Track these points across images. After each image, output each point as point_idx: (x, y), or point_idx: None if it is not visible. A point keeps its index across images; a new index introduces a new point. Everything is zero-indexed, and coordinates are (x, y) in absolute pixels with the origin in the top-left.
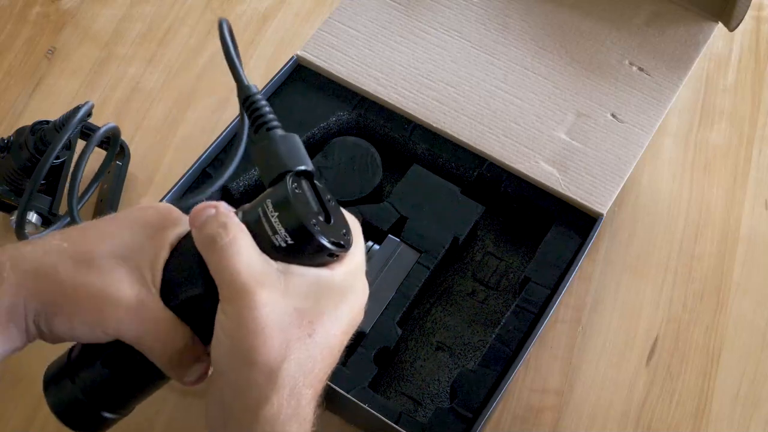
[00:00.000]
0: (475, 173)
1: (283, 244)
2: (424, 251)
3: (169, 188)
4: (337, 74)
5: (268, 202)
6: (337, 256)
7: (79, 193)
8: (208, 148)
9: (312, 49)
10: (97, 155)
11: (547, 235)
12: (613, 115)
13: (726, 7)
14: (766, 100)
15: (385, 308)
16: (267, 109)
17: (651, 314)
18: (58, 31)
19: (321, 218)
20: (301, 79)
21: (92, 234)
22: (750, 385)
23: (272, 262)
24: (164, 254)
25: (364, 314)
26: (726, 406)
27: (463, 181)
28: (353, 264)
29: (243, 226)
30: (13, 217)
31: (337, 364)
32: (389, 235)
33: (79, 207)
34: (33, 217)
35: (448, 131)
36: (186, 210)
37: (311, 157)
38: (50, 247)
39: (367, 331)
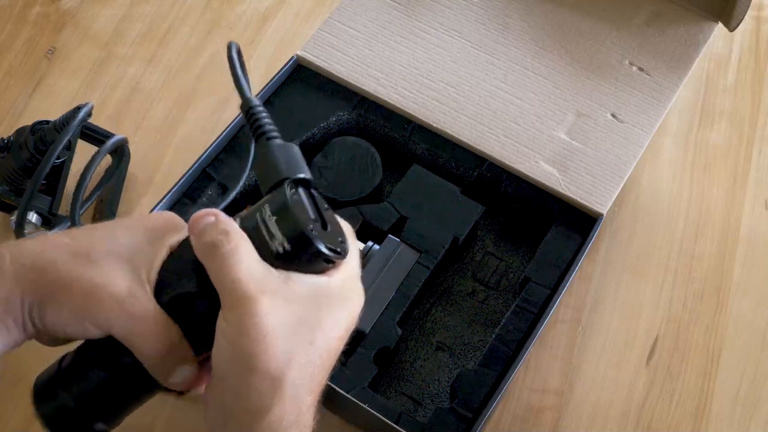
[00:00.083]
0: (475, 173)
1: (281, 250)
2: (424, 251)
3: (169, 188)
4: (337, 74)
5: (266, 207)
6: (334, 262)
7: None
8: (208, 148)
9: (312, 49)
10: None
11: (547, 235)
12: (613, 115)
13: (726, 7)
14: (766, 100)
15: (385, 308)
16: (267, 119)
17: (651, 314)
18: (58, 31)
19: (318, 225)
20: (301, 79)
21: (95, 233)
22: (750, 385)
23: (273, 269)
24: (162, 256)
25: (361, 316)
26: (726, 406)
27: (463, 181)
28: (349, 270)
29: (244, 234)
30: (13, 217)
31: (337, 364)
32: (389, 235)
33: (81, 212)
34: (33, 217)
35: (448, 131)
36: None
37: (311, 156)
38: (52, 243)
39: (367, 331)
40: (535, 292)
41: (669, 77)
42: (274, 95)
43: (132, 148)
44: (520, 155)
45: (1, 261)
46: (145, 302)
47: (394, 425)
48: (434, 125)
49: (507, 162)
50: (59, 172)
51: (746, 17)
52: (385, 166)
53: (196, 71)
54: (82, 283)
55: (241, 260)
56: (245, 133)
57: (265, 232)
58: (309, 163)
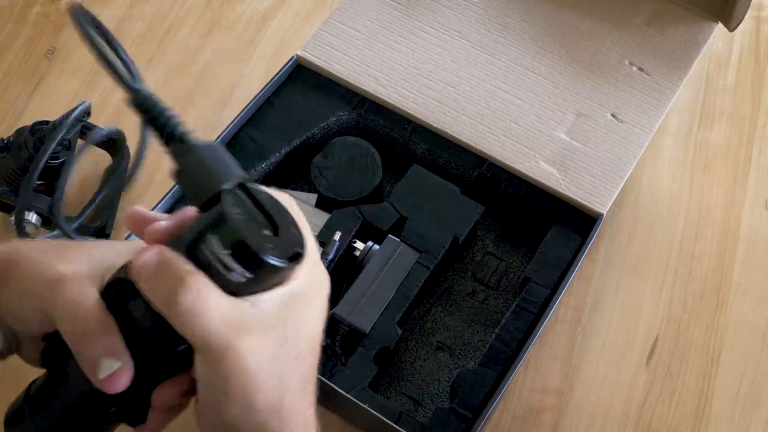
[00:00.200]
0: (475, 173)
1: (244, 280)
2: (424, 251)
3: (169, 188)
4: (337, 74)
5: (214, 240)
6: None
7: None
8: None
9: (312, 49)
10: (102, 158)
11: (547, 235)
12: (613, 115)
13: (726, 7)
14: (766, 100)
15: (385, 308)
16: (170, 113)
17: (651, 314)
18: (58, 31)
19: (270, 236)
20: (301, 79)
21: (76, 242)
22: (750, 385)
23: (238, 300)
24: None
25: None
26: (726, 406)
27: (463, 181)
28: (310, 260)
29: (201, 275)
30: (13, 217)
31: (337, 364)
32: (389, 235)
33: (85, 215)
34: (33, 217)
35: (448, 131)
36: None
37: (311, 156)
38: (33, 243)
39: (367, 331)
40: (535, 292)
41: (669, 77)
42: (274, 95)
43: (132, 148)
44: (520, 155)
45: None
46: (83, 285)
47: (394, 425)
48: (434, 125)
49: (507, 162)
50: (59, 172)
51: (746, 17)
52: (385, 166)
53: (196, 71)
54: (39, 265)
55: (209, 307)
56: (245, 132)
57: (221, 267)
58: (309, 164)
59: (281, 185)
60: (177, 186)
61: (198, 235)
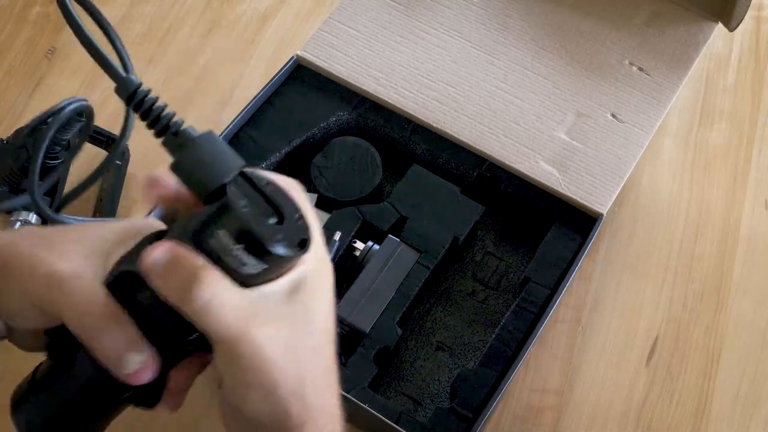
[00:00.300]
0: (475, 173)
1: (253, 271)
2: (424, 251)
3: None
4: (337, 74)
5: (222, 234)
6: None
7: (67, 190)
8: None
9: (312, 49)
10: (100, 157)
11: (547, 235)
12: (613, 115)
13: (726, 7)
14: (766, 100)
15: (385, 308)
16: (161, 105)
17: (651, 314)
18: (58, 31)
19: (275, 221)
20: (301, 79)
21: (69, 228)
22: (750, 385)
23: (250, 292)
24: (124, 250)
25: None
26: (726, 406)
27: (463, 181)
28: (315, 245)
29: (215, 271)
30: (13, 217)
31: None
32: (389, 235)
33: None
34: (33, 218)
35: (448, 131)
36: None
37: (311, 156)
38: (23, 231)
39: (367, 331)
40: (535, 292)
41: (669, 77)
42: (274, 95)
43: (132, 148)
44: (520, 155)
45: None
46: (88, 282)
47: (394, 425)
48: (434, 125)
49: (507, 162)
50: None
51: (746, 17)
52: (385, 166)
53: (196, 71)
54: (31, 260)
55: (223, 302)
56: (245, 132)
57: (231, 260)
58: (309, 164)
59: None
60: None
61: (205, 228)
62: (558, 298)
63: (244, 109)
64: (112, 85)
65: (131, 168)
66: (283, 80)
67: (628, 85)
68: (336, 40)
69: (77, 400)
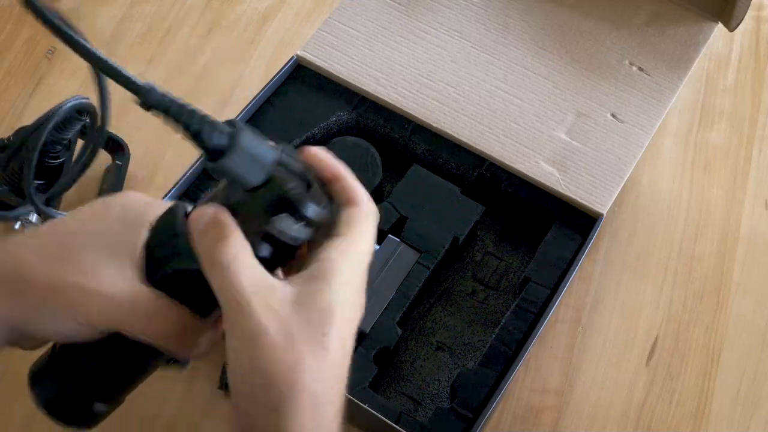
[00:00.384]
0: (475, 173)
1: (304, 236)
2: (424, 251)
3: (169, 188)
4: (337, 74)
5: (276, 220)
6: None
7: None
8: None
9: (312, 49)
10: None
11: (547, 235)
12: (613, 115)
13: (726, 7)
14: (766, 100)
15: (385, 308)
16: (190, 107)
17: (651, 314)
18: None
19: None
20: (301, 79)
21: (63, 228)
22: (750, 385)
23: (273, 278)
24: (142, 236)
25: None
26: (726, 406)
27: (463, 181)
28: (354, 248)
29: (243, 239)
30: (13, 215)
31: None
32: (389, 235)
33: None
34: (33, 217)
35: (448, 131)
36: None
37: None
38: (21, 250)
39: (367, 331)
40: (535, 292)
41: (669, 77)
42: (274, 95)
43: (132, 147)
44: (520, 155)
45: None
46: (137, 290)
47: (394, 425)
48: (434, 125)
49: (507, 162)
50: (59, 172)
51: (746, 17)
52: (385, 166)
53: (196, 71)
54: (65, 289)
55: (243, 270)
56: None
57: (285, 237)
58: None
59: None
60: (178, 185)
61: (256, 215)
62: (558, 298)
63: (244, 109)
64: (112, 85)
65: (131, 168)
66: (283, 80)
67: (628, 85)
68: (336, 40)
69: (111, 367)
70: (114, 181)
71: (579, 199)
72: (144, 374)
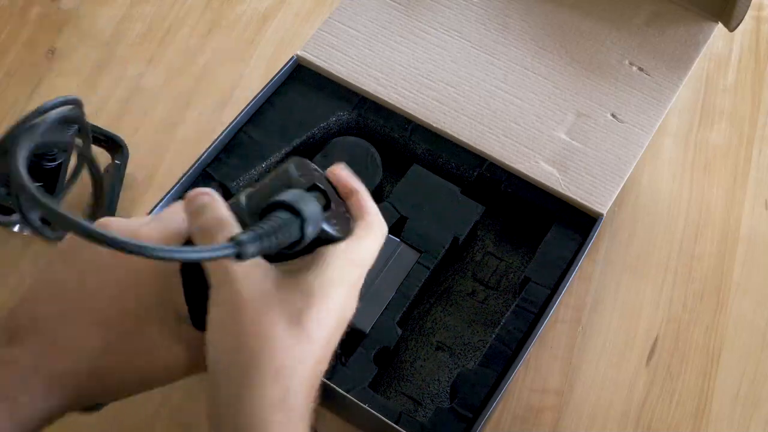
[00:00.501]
0: (475, 173)
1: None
2: (424, 251)
3: (169, 188)
4: (337, 74)
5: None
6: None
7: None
8: (208, 148)
9: (312, 49)
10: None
11: (547, 235)
12: (613, 115)
13: (726, 7)
14: (766, 100)
15: (385, 308)
16: (271, 224)
17: (651, 314)
18: (58, 31)
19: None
20: (301, 79)
21: (101, 307)
22: (750, 385)
23: (261, 259)
24: (177, 285)
25: (360, 311)
26: (726, 406)
27: (463, 181)
28: (350, 249)
29: (236, 224)
30: (11, 220)
31: (337, 364)
32: (389, 235)
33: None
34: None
35: (448, 131)
36: None
37: (311, 156)
38: (68, 344)
39: (367, 331)
40: (535, 292)
41: (669, 77)
42: (274, 95)
43: (132, 148)
44: (520, 155)
45: (26, 376)
46: (196, 344)
47: (394, 425)
48: (434, 125)
49: (507, 162)
50: (57, 174)
51: (746, 17)
52: (385, 166)
53: (196, 71)
54: (128, 368)
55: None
56: (245, 132)
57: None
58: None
59: None
60: (178, 185)
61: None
62: (558, 298)
63: (244, 109)
64: (112, 85)
65: (131, 168)
66: (283, 80)
67: (628, 85)
68: (336, 40)
69: None
70: (113, 181)
71: (579, 199)
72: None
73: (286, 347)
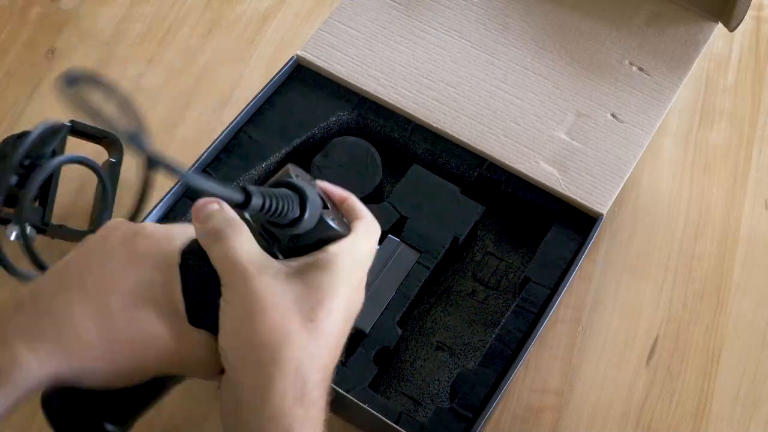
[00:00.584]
0: (475, 173)
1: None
2: (424, 251)
3: (169, 188)
4: (337, 74)
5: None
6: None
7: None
8: (208, 148)
9: (312, 49)
10: (99, 155)
11: (547, 235)
12: (613, 115)
13: (726, 7)
14: (766, 100)
15: (385, 308)
16: (280, 200)
17: (651, 314)
18: (58, 31)
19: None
20: (301, 79)
21: (99, 284)
22: (750, 385)
23: (269, 256)
24: (176, 277)
25: (362, 311)
26: (726, 406)
27: (463, 181)
28: (354, 248)
29: (243, 224)
30: (8, 229)
31: (337, 363)
32: (389, 235)
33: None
34: (27, 228)
35: (448, 131)
36: None
37: (311, 156)
38: (62, 317)
39: (367, 331)
40: (535, 292)
41: (669, 77)
42: (275, 95)
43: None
44: (520, 155)
45: (16, 355)
46: (189, 337)
47: (394, 425)
48: (434, 125)
49: (507, 162)
50: (48, 181)
51: (746, 17)
52: (385, 166)
53: (196, 71)
54: (120, 347)
55: (242, 244)
56: (245, 132)
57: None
58: (309, 163)
59: None
60: (177, 185)
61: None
62: (558, 298)
63: (244, 109)
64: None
65: (131, 169)
66: (283, 80)
67: (628, 85)
68: (336, 40)
69: (129, 390)
70: (109, 179)
71: (579, 199)
72: (159, 397)
73: (303, 343)
